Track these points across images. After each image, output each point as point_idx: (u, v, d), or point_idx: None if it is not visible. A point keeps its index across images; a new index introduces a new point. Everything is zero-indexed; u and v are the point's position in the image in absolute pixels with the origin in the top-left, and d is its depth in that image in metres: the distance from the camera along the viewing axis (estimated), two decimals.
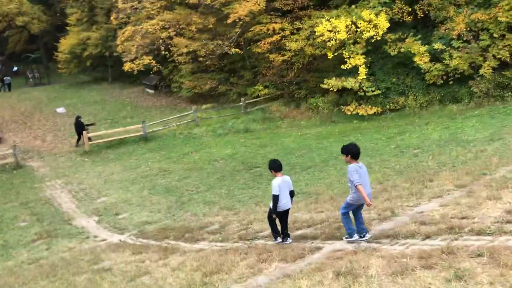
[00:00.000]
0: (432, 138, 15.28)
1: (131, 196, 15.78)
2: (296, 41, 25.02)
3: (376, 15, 20.97)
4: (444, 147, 13.30)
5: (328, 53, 23.14)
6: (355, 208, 6.74)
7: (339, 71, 23.92)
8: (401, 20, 22.22)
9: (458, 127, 16.15)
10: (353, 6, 22.52)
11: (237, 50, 28.32)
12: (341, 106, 23.30)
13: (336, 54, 23.01)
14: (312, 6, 25.92)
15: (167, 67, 35.44)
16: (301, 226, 8.42)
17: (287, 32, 25.88)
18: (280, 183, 7.31)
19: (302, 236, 7.66)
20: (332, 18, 22.28)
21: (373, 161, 13.68)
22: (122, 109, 32.75)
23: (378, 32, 21.19)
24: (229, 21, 26.91)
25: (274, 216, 7.47)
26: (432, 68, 20.23)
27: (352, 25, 21.97)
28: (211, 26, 29.34)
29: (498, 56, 19.27)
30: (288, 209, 7.58)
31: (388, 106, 21.86)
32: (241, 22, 27.37)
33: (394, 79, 22.24)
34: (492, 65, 19.30)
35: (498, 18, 18.97)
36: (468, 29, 19.68)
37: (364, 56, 21.97)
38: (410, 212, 7.31)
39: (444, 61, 19.99)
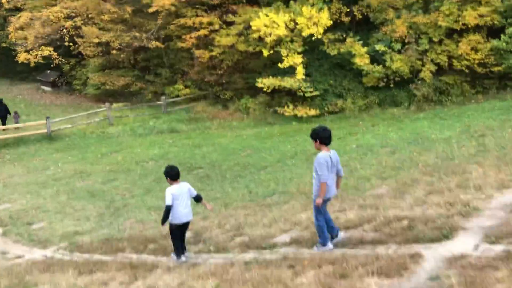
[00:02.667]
0: (392, 137, 14.29)
1: (44, 202, 12.60)
2: (227, 36, 23.14)
3: (319, 10, 19.87)
4: (419, 144, 12.27)
5: (263, 50, 21.61)
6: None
7: (272, 71, 22.52)
8: (338, 21, 21.45)
9: (413, 128, 15.42)
10: (291, 2, 21.23)
11: (157, 43, 25.66)
12: (276, 108, 21.82)
13: (271, 52, 21.57)
14: (244, 1, 24.20)
15: (69, 62, 31.41)
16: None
17: (216, 27, 23.93)
18: (175, 192, 6.46)
19: (359, 240, 5.71)
20: (270, 12, 20.80)
21: (344, 159, 12.19)
22: (14, 106, 28.01)
23: (318, 30, 20.10)
24: (150, 10, 24.23)
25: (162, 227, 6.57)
26: (373, 70, 19.58)
27: (291, 22, 20.71)
28: (127, 16, 26.32)
29: (437, 61, 19.19)
30: (188, 222, 6.77)
31: (326, 109, 20.87)
32: (163, 13, 24.87)
33: (331, 81, 21.35)
34: (431, 69, 19.15)
35: (438, 23, 18.88)
36: (409, 32, 19.35)
37: (302, 55, 20.77)
38: (492, 205, 5.74)
39: (385, 63, 19.43)
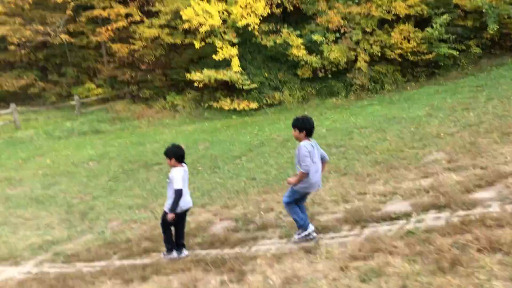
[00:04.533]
0: (356, 122, 14.00)
1: None
2: (150, 28, 21.37)
3: None
4: (397, 124, 12.10)
5: (194, 42, 20.28)
6: (300, 197, 5.51)
7: (200, 65, 21.34)
8: (269, 13, 20.92)
9: (371, 112, 15.33)
10: None
11: (66, 37, 22.84)
12: (211, 103, 20.62)
13: (202, 44, 20.36)
14: None
15: None
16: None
17: (137, 18, 21.98)
18: (184, 175, 5.79)
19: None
20: (203, 1, 19.59)
21: (328, 142, 11.56)
22: None
23: (254, 20, 19.38)
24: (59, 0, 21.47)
25: (171, 218, 5.70)
26: (311, 61, 19.38)
27: (224, 11, 19.73)
28: (27, 7, 23.07)
29: (370, 51, 19.60)
30: (188, 209, 6.06)
31: (264, 101, 20.18)
32: (72, 4, 22.25)
33: (266, 74, 20.73)
34: (365, 59, 19.50)
35: (371, 13, 19.31)
36: (344, 22, 19.53)
37: (237, 47, 19.87)
38: None
39: (323, 53, 19.35)
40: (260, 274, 4.57)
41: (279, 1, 20.73)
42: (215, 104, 20.44)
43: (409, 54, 19.26)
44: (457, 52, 18.93)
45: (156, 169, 12.51)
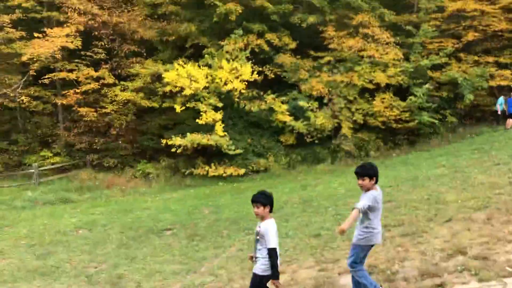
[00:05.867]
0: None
1: None
2: (124, 90, 20.17)
3: (247, 59, 18.89)
4: (412, 182, 11.69)
5: (175, 106, 19.29)
6: (365, 254, 4.91)
7: (177, 130, 20.21)
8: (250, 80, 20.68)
9: (390, 174, 14.92)
10: (206, 56, 19.81)
11: (28, 99, 20.86)
12: (192, 169, 19.30)
13: (183, 108, 19.42)
14: (144, 55, 21.68)
15: None
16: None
17: (109, 81, 20.71)
18: (276, 230, 4.65)
19: None
20: (187, 65, 18.96)
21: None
22: None
23: (239, 85, 18.95)
24: (24, 58, 19.78)
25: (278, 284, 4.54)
26: (298, 126, 19.07)
27: (208, 75, 19.17)
28: None
29: (354, 118, 19.74)
30: None
31: (250, 168, 19.26)
32: (36, 64, 20.63)
33: (249, 140, 20.02)
34: (349, 126, 19.56)
35: (353, 82, 19.69)
36: (328, 90, 19.68)
37: (221, 111, 19.16)
38: None
39: (309, 119, 19.17)
40: None
41: (260, 69, 20.60)
42: (196, 171, 19.13)
43: (392, 121, 19.59)
44: (437, 121, 19.56)
45: (169, 234, 10.95)
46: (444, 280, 4.71)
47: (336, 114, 19.73)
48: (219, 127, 18.86)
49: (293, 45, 21.16)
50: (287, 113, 19.59)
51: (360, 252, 4.81)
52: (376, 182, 4.77)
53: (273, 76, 20.82)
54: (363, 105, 20.00)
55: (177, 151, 19.33)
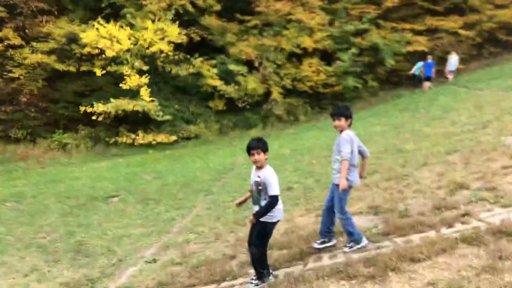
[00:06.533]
0: (305, 144, 13.60)
1: None
2: (34, 53, 18.11)
3: (172, 21, 17.83)
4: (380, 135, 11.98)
5: (95, 69, 17.76)
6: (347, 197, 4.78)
7: (96, 97, 18.70)
8: (175, 42, 19.70)
9: (310, 137, 15.10)
10: (128, 16, 18.38)
11: None
12: (117, 138, 18.05)
13: (103, 72, 17.98)
14: (56, 13, 19.48)
15: None
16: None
17: (15, 42, 18.43)
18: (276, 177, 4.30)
19: None
20: (108, 25, 17.45)
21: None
22: None
23: (167, 47, 17.95)
24: None
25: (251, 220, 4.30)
26: (229, 91, 18.63)
27: (131, 36, 17.86)
28: None
29: (283, 83, 19.75)
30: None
31: (180, 134, 18.49)
32: None
33: (176, 106, 19.17)
34: (279, 91, 19.54)
35: (282, 47, 19.61)
36: (257, 54, 19.40)
37: (147, 75, 18.02)
38: None
39: (240, 84, 18.80)
40: None
41: (186, 31, 19.66)
42: (121, 140, 17.93)
43: (320, 86, 19.89)
44: (361, 85, 20.24)
45: (116, 200, 10.08)
46: (465, 210, 4.71)
47: (266, 78, 19.53)
48: (145, 92, 17.75)
49: (217, 6, 20.40)
50: (217, 77, 18.99)
51: (345, 196, 4.66)
52: (350, 124, 4.71)
53: (199, 39, 20.00)
54: (291, 70, 20.02)
55: (98, 119, 17.97)
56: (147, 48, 17.94)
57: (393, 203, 5.67)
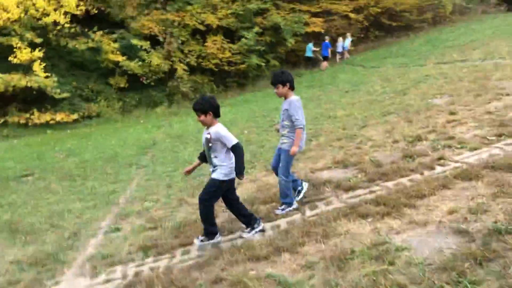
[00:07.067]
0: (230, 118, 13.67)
1: None
2: None
3: None
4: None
5: None
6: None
7: None
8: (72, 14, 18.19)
9: (240, 110, 15.12)
10: None
11: None
12: (7, 117, 16.21)
13: None
14: None
15: None
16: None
17: None
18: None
19: None
20: None
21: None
22: None
23: (63, 18, 16.51)
24: None
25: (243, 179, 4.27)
26: (132, 67, 17.79)
27: (20, 4, 16.07)
28: None
29: (187, 60, 19.40)
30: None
31: (81, 113, 17.21)
32: None
33: (74, 83, 17.79)
34: (184, 68, 19.18)
35: (185, 22, 19.21)
36: (160, 29, 18.75)
37: (40, 49, 16.41)
38: None
39: (144, 60, 18.06)
40: None
41: (81, 3, 18.23)
42: (12, 119, 16.17)
43: (225, 64, 19.87)
44: (263, 63, 20.65)
45: (33, 178, 9.13)
46: (438, 155, 5.09)
47: (171, 55, 18.97)
48: (38, 67, 16.17)
49: None
50: (118, 53, 17.98)
51: (291, 160, 4.73)
52: (292, 89, 4.67)
53: (96, 11, 18.68)
54: (195, 47, 19.70)
55: None
56: (39, 19, 16.28)
57: (358, 157, 5.94)
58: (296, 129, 4.58)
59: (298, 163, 6.46)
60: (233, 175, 4.19)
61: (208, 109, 4.04)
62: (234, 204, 4.37)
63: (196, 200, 6.07)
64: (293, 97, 4.68)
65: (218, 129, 4.09)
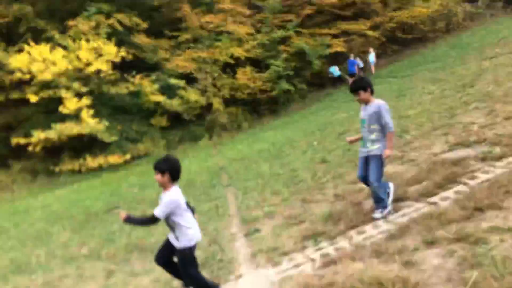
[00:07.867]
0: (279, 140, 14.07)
1: None
2: None
3: (108, 38, 17.21)
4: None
5: (30, 96, 16.41)
6: None
7: (30, 125, 17.30)
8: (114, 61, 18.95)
9: (267, 137, 15.49)
10: (56, 37, 17.33)
11: None
12: (62, 166, 16.76)
13: (37, 98, 16.70)
14: None
15: None
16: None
17: None
18: (180, 199, 3.97)
19: None
20: (40, 47, 16.31)
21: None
22: None
23: (105, 66, 17.28)
24: None
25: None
26: (173, 105, 18.44)
27: (65, 58, 16.87)
28: None
29: (221, 94, 20.05)
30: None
31: (130, 154, 17.74)
32: None
33: (119, 127, 18.40)
34: (219, 101, 19.81)
35: (216, 57, 19.96)
36: (194, 67, 19.50)
37: (87, 97, 17.11)
38: None
39: (182, 97, 18.73)
40: None
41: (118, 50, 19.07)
42: (65, 167, 16.69)
43: (257, 93, 20.50)
44: (293, 88, 21.26)
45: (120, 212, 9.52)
46: None
47: (206, 89, 19.65)
48: (85, 114, 16.82)
49: (145, 24, 20.18)
50: (158, 93, 18.68)
51: (383, 164, 4.77)
52: (372, 93, 4.74)
53: (131, 57, 19.49)
54: (226, 80, 20.40)
55: (36, 150, 16.59)
56: (83, 69, 17.06)
57: (477, 136, 6.20)
58: (388, 132, 4.64)
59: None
60: (194, 241, 4.01)
61: (166, 169, 3.87)
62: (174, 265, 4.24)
63: (316, 195, 6.45)
64: (380, 101, 4.72)
65: (170, 196, 3.91)
